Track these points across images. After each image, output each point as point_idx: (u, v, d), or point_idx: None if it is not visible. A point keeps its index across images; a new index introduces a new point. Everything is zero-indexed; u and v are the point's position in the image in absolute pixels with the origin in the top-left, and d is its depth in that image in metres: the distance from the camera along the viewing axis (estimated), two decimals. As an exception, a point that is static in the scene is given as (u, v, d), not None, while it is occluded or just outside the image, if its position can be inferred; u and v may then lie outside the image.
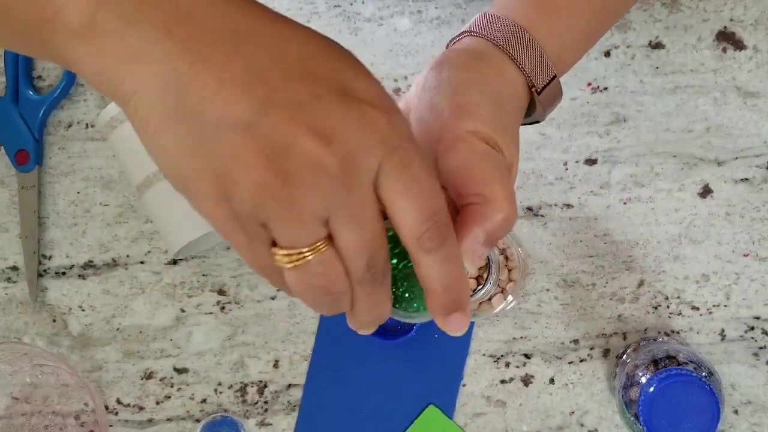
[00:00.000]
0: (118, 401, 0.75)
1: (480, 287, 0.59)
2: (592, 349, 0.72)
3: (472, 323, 0.72)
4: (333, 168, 0.34)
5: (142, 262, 0.75)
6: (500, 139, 0.47)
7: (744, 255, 0.71)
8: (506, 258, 0.62)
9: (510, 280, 0.62)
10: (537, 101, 0.52)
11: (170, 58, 0.35)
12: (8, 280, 0.76)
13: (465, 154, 0.46)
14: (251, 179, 0.34)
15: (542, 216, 0.72)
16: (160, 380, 0.74)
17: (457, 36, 0.53)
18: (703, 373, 0.64)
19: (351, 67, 0.38)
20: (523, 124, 0.53)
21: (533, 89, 0.51)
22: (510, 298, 0.64)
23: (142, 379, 0.74)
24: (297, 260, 0.36)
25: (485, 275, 0.60)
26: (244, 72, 0.35)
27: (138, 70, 0.35)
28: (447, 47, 0.54)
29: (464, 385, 0.72)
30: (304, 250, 0.36)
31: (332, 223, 0.36)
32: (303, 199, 0.34)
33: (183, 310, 0.74)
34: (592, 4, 0.54)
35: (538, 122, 0.55)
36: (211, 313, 0.74)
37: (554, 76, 0.51)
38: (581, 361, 0.72)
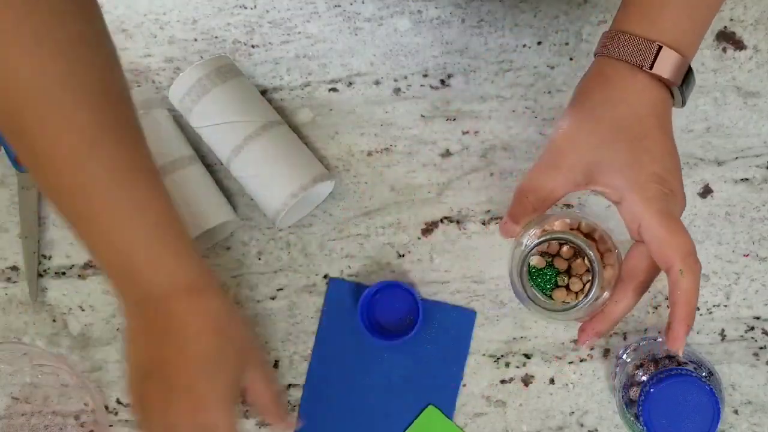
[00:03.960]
0: (118, 401, 0.75)
1: (585, 297, 0.56)
2: (592, 349, 0.72)
3: (474, 314, 0.72)
4: None
5: (142, 262, 0.75)
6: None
7: (744, 255, 0.71)
8: (595, 241, 0.59)
9: (606, 264, 0.59)
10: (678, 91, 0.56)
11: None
12: (8, 280, 0.76)
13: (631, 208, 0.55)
14: None
15: (542, 216, 0.72)
16: (160, 380, 0.74)
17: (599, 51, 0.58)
18: (703, 373, 0.64)
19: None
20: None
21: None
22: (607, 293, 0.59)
23: (142, 379, 0.74)
24: None
25: (588, 285, 0.57)
26: None
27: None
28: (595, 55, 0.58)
29: (464, 385, 0.72)
30: None
31: None
32: None
33: (183, 310, 0.74)
34: None
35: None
36: (211, 313, 0.74)
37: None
38: (581, 361, 0.72)
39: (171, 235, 0.58)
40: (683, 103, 0.57)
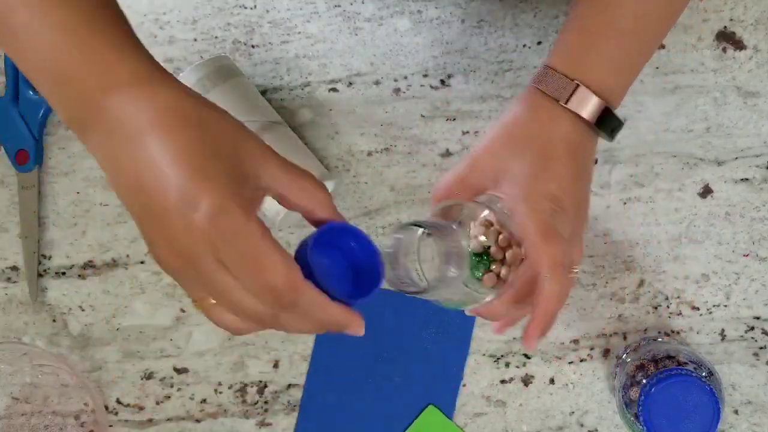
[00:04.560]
0: (118, 401, 0.75)
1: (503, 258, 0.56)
2: (592, 349, 0.72)
3: (473, 319, 0.72)
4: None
5: (142, 262, 0.75)
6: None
7: (744, 255, 0.71)
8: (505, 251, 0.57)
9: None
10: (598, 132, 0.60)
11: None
12: (8, 280, 0.76)
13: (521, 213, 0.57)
14: None
15: (542, 216, 0.72)
16: (160, 380, 0.74)
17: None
18: (703, 373, 0.64)
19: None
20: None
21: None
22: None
23: (142, 379, 0.74)
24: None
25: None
26: None
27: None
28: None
29: (464, 385, 0.72)
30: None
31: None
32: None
33: (183, 310, 0.74)
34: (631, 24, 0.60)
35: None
36: (211, 313, 0.74)
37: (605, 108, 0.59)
38: (581, 361, 0.72)
39: (104, 24, 0.48)
40: (611, 139, 0.61)
